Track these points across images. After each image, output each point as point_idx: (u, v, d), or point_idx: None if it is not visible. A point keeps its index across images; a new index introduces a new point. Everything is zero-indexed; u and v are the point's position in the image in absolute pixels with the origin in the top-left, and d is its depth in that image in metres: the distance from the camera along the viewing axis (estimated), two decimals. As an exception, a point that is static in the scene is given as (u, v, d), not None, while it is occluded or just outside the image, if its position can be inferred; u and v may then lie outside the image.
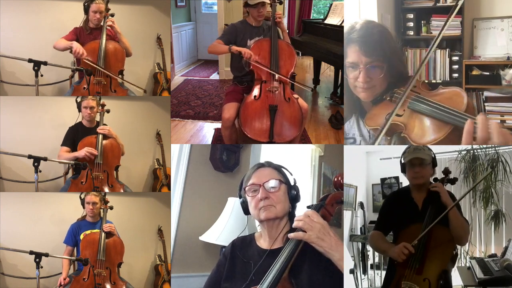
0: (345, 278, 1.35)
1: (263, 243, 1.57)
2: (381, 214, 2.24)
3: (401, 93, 1.86)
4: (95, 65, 2.60)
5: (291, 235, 1.38)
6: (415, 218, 2.00)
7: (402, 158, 2.11)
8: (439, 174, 2.12)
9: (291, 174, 1.61)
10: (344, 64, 1.98)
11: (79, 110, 2.65)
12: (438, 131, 1.71)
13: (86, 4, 2.66)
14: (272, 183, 1.52)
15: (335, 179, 1.54)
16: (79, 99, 2.64)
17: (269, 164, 1.60)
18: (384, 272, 2.38)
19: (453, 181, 2.10)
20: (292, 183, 1.58)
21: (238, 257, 1.57)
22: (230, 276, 1.54)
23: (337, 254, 1.33)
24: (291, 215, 1.55)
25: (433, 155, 2.08)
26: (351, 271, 3.66)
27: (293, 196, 1.55)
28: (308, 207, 1.51)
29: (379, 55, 1.90)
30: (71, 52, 2.55)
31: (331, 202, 1.47)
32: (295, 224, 1.38)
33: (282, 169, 1.60)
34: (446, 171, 2.10)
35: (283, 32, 2.82)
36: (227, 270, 1.56)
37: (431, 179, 2.10)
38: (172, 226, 2.55)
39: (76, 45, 2.54)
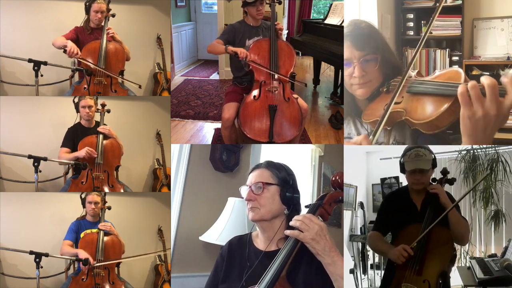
0: (345, 278, 1.35)
1: (259, 243, 1.55)
2: (380, 214, 2.23)
3: (397, 82, 1.85)
4: (93, 65, 2.59)
5: (287, 232, 1.36)
6: (414, 219, 2.00)
7: (402, 159, 2.09)
8: (437, 174, 2.11)
9: (289, 174, 1.54)
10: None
11: (77, 111, 2.65)
12: (440, 105, 1.68)
13: (87, 3, 2.66)
14: (256, 185, 1.48)
15: (333, 178, 1.50)
16: (76, 99, 2.64)
17: (264, 165, 1.55)
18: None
19: (452, 181, 2.09)
20: (289, 184, 1.50)
21: (235, 257, 1.56)
22: (227, 276, 1.54)
23: (328, 258, 1.32)
24: (290, 216, 1.44)
25: (433, 157, 2.06)
26: (351, 271, 3.65)
27: (287, 198, 1.48)
28: (307, 206, 1.49)
29: (372, 47, 1.90)
30: (64, 52, 2.53)
31: (329, 201, 1.46)
32: (292, 223, 1.36)
33: (278, 169, 1.53)
34: (444, 172, 2.09)
35: None
36: (225, 271, 1.55)
37: (429, 179, 2.09)
38: (172, 226, 2.55)
39: (70, 44, 2.53)
